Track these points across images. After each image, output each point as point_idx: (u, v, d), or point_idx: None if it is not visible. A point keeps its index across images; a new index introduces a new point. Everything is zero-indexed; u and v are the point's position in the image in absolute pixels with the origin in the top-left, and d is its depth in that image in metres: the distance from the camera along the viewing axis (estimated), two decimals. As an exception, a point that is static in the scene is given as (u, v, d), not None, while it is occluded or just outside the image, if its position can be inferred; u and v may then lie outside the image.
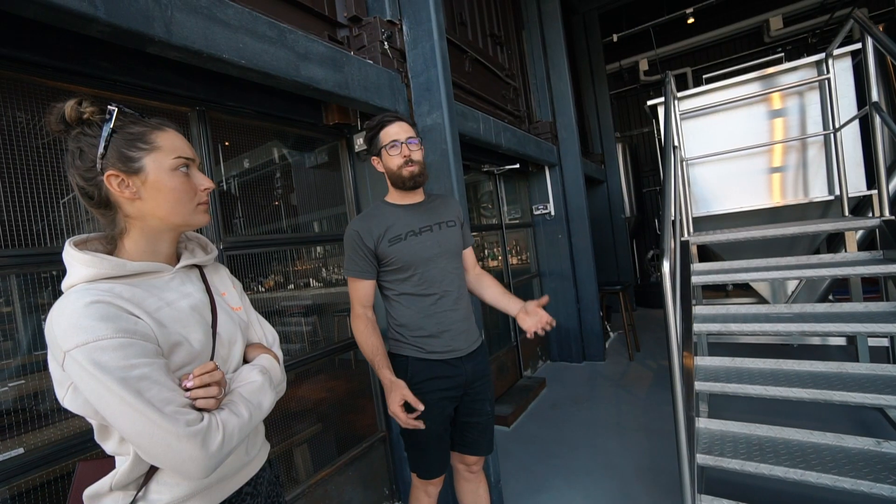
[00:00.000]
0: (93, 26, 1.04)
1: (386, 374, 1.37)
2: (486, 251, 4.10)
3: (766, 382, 1.83)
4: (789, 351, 3.60)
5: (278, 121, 1.92)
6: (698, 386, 1.90)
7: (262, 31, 1.43)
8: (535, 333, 1.44)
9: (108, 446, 0.74)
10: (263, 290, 1.96)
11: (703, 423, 1.91)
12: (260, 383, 0.80)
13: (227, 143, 1.77)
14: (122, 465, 0.72)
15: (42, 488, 1.17)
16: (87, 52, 1.23)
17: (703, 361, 2.12)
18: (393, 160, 1.41)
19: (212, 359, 0.79)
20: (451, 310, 1.47)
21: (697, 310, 2.28)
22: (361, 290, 1.45)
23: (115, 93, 1.34)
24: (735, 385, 1.85)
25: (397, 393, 1.32)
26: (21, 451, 1.13)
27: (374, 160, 1.48)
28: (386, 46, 2.06)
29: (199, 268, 0.91)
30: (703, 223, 3.13)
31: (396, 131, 1.41)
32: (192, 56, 1.25)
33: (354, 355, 2.34)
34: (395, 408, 1.31)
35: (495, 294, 1.62)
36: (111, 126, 0.73)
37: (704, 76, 3.55)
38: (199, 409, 0.68)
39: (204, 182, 0.83)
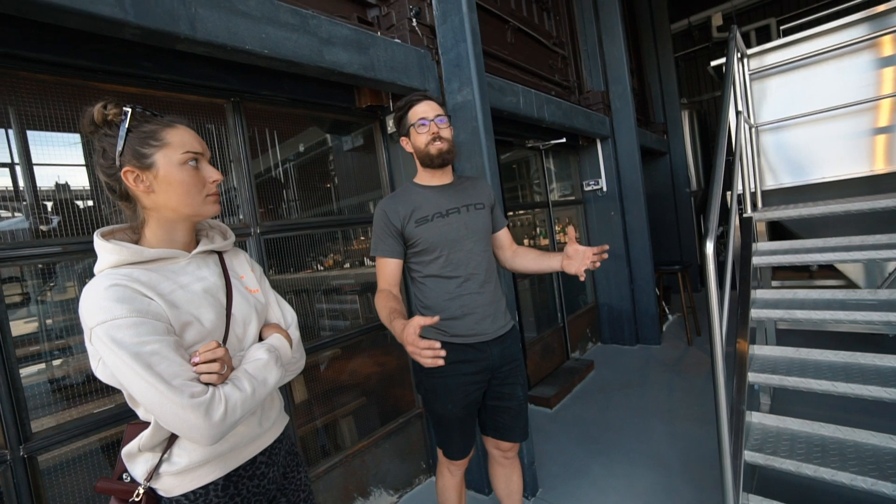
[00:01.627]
0: (125, 30, 1.13)
1: (398, 322, 1.19)
2: (537, 229, 3.99)
3: (836, 378, 1.62)
4: (883, 342, 3.15)
5: (312, 107, 1.98)
6: (752, 377, 1.74)
7: (284, 19, 1.45)
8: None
9: (140, 411, 0.84)
10: (295, 271, 2.06)
11: (758, 418, 1.75)
12: (265, 361, 0.86)
13: (258, 130, 1.85)
14: (148, 429, 0.81)
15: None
16: (130, 55, 1.33)
17: (762, 351, 1.92)
18: (421, 138, 1.41)
19: (226, 338, 0.86)
20: (476, 293, 1.45)
21: (758, 294, 2.06)
22: (388, 270, 1.44)
23: (158, 90, 1.45)
24: (796, 378, 1.66)
25: (409, 327, 1.08)
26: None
27: (404, 140, 1.48)
28: (415, 23, 2.02)
29: (220, 254, 0.98)
30: (780, 197, 2.76)
31: (424, 109, 1.40)
32: (217, 50, 1.31)
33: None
34: (410, 339, 1.06)
35: (533, 259, 1.55)
36: (126, 126, 0.80)
37: (782, 27, 3.06)
38: (206, 384, 0.75)
39: (213, 174, 0.88)
